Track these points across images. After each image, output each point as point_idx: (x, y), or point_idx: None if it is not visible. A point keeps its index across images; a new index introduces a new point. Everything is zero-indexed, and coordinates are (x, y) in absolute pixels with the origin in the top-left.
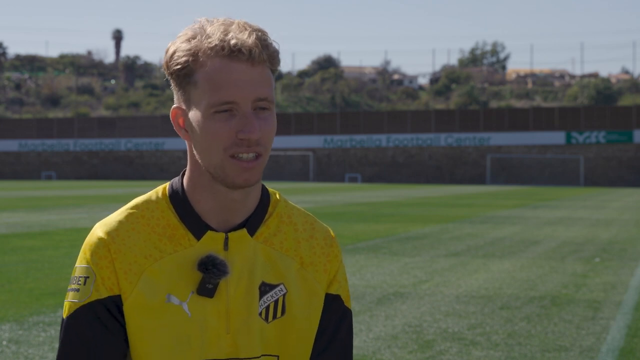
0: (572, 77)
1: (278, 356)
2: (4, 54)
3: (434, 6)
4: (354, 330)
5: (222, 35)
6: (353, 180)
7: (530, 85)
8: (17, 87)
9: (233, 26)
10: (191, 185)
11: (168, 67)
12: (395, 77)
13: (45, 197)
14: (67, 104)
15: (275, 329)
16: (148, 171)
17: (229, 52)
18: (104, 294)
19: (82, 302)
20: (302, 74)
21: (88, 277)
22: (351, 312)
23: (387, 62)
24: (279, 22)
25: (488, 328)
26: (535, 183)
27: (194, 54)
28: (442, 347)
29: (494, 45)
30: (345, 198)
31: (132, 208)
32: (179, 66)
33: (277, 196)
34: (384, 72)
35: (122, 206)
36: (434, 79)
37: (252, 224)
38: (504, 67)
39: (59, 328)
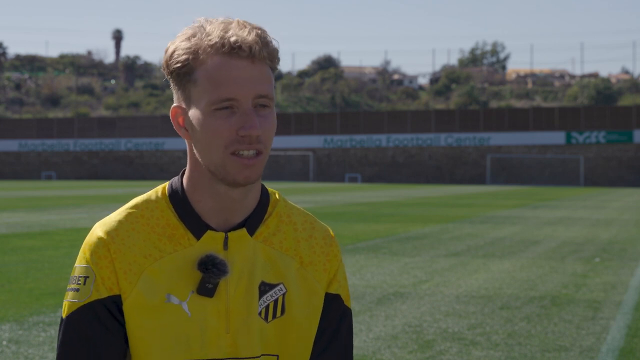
0: (572, 77)
1: (278, 356)
2: (4, 54)
3: (434, 6)
4: (354, 330)
5: (222, 33)
6: (353, 180)
7: (530, 85)
8: (17, 87)
9: (233, 24)
10: (191, 184)
11: (168, 66)
12: (395, 77)
13: (45, 197)
14: (67, 104)
15: (275, 328)
16: (148, 171)
17: (229, 50)
18: (104, 293)
19: (82, 302)
20: (302, 74)
21: (88, 277)
22: (351, 312)
23: (387, 62)
24: (279, 22)
25: (488, 328)
26: (535, 183)
27: (194, 52)
28: (442, 347)
29: (494, 45)
30: (345, 198)
31: (131, 208)
32: (179, 64)
33: (277, 196)
34: (384, 72)
35: (122, 206)
36: (434, 79)
37: (251, 223)
38: (504, 67)
39: (58, 328)
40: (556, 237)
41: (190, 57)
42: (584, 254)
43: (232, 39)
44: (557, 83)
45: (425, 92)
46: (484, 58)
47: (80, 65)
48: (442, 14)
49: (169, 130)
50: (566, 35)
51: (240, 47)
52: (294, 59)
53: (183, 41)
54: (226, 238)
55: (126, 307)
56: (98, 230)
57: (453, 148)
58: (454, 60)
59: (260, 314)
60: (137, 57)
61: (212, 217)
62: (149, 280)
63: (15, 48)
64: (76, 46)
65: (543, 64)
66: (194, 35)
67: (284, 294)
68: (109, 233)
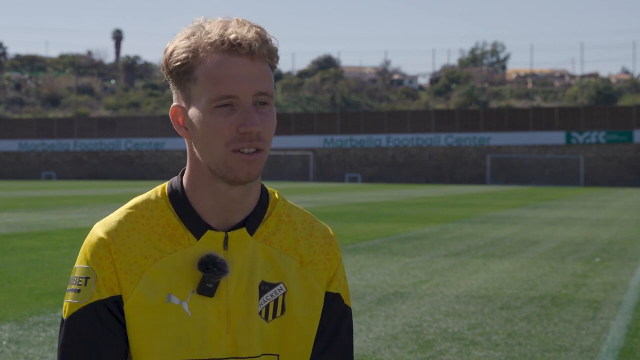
0: (572, 77)
1: (278, 355)
2: (4, 54)
3: (434, 6)
4: (354, 330)
5: (221, 31)
6: (353, 180)
7: (530, 85)
8: (17, 87)
9: (232, 22)
10: (191, 184)
11: (167, 65)
12: (395, 77)
13: (45, 197)
14: (67, 104)
15: (275, 328)
16: (148, 171)
17: (229, 47)
18: (105, 294)
19: (84, 303)
20: (302, 74)
21: (89, 277)
22: (351, 311)
23: (387, 62)
24: (279, 22)
25: (488, 328)
26: (535, 183)
27: (194, 51)
28: (442, 347)
29: (494, 45)
30: (345, 198)
31: (131, 208)
32: (178, 63)
33: (276, 195)
34: (384, 72)
35: (121, 206)
36: (434, 79)
37: (251, 223)
38: (504, 67)
39: (58, 328)
40: (556, 237)
41: (190, 55)
42: (584, 254)
43: (232, 36)
44: (557, 83)
45: (425, 92)
46: (484, 58)
47: (80, 65)
48: (442, 14)
49: (169, 130)
50: (566, 35)
51: (240, 44)
52: (294, 59)
53: (182, 40)
54: (226, 238)
55: (127, 308)
56: (98, 230)
57: (453, 148)
58: (454, 60)
59: (260, 313)
60: (137, 57)
61: (212, 217)
62: (149, 280)
63: (15, 48)
64: (76, 46)
65: (543, 64)
66: (193, 34)
67: (284, 294)
68: (109, 233)
